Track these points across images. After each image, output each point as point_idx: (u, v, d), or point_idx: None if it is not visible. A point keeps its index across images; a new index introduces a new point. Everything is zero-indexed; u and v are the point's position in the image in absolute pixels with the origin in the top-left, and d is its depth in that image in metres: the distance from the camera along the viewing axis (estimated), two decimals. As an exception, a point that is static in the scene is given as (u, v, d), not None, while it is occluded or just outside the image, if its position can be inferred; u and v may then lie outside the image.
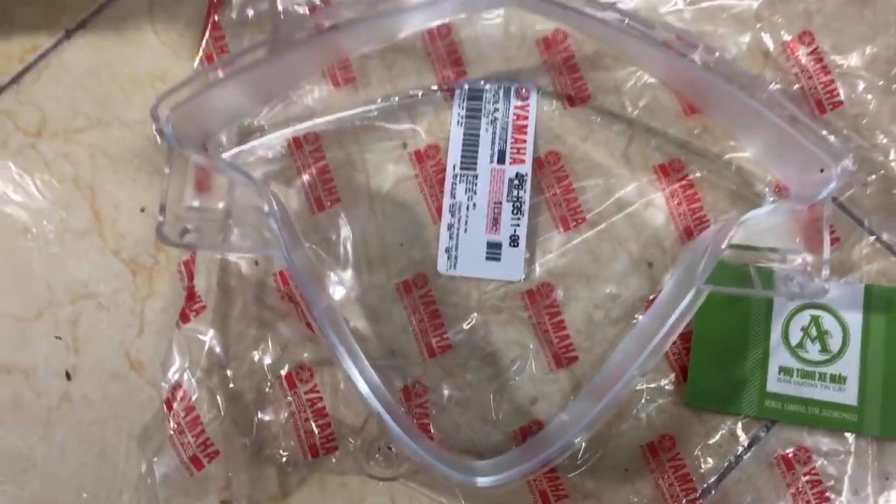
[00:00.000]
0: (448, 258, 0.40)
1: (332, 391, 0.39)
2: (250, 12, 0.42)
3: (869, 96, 0.40)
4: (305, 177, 0.41)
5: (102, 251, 0.42)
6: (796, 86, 0.40)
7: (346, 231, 0.41)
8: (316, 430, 0.39)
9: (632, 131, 0.41)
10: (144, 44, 0.43)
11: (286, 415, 0.39)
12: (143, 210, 0.42)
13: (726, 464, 0.38)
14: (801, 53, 0.41)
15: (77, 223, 0.42)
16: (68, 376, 0.41)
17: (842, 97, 0.40)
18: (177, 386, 0.39)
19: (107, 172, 0.42)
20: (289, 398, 0.39)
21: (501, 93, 0.42)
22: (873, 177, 0.39)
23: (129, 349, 0.41)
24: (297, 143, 0.41)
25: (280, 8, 0.41)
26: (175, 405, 0.39)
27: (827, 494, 0.37)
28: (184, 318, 0.39)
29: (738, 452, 0.38)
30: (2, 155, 0.42)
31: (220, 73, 0.36)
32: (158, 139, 0.34)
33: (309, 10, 0.41)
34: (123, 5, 0.43)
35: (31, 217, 0.42)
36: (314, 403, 0.39)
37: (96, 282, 0.41)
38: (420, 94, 0.42)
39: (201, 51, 0.41)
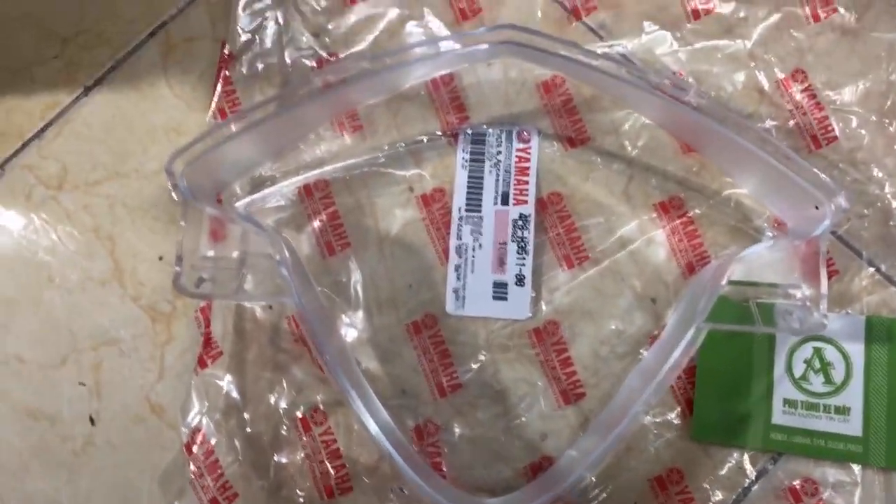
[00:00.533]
0: (456, 298, 0.42)
1: (346, 431, 0.40)
2: (260, 66, 0.43)
3: (863, 131, 0.41)
4: (316, 223, 0.42)
5: (122, 299, 0.43)
6: (791, 122, 0.41)
7: (356, 274, 0.42)
8: (331, 471, 0.40)
9: (631, 170, 0.42)
10: (159, 98, 0.45)
11: (302, 456, 0.40)
12: (160, 258, 0.43)
13: (734, 497, 0.39)
14: (795, 90, 0.42)
15: (98, 272, 0.43)
16: (92, 421, 0.42)
17: (836, 132, 0.41)
18: (196, 430, 0.40)
19: (125, 222, 0.44)
20: (304, 440, 0.40)
21: (504, 136, 0.43)
22: (870, 210, 0.40)
23: (149, 394, 0.42)
24: (307, 191, 0.43)
25: (288, 61, 0.43)
26: (195, 449, 0.40)
27: (835, 526, 0.38)
28: (201, 363, 0.41)
29: (746, 485, 0.39)
30: (26, 207, 0.44)
31: (233, 128, 0.38)
32: (174, 194, 0.36)
33: (316, 62, 0.43)
34: (138, 62, 0.45)
35: (54, 267, 0.44)
36: (329, 445, 0.40)
37: (117, 328, 0.43)
38: (425, 140, 0.43)
39: (213, 104, 0.43)
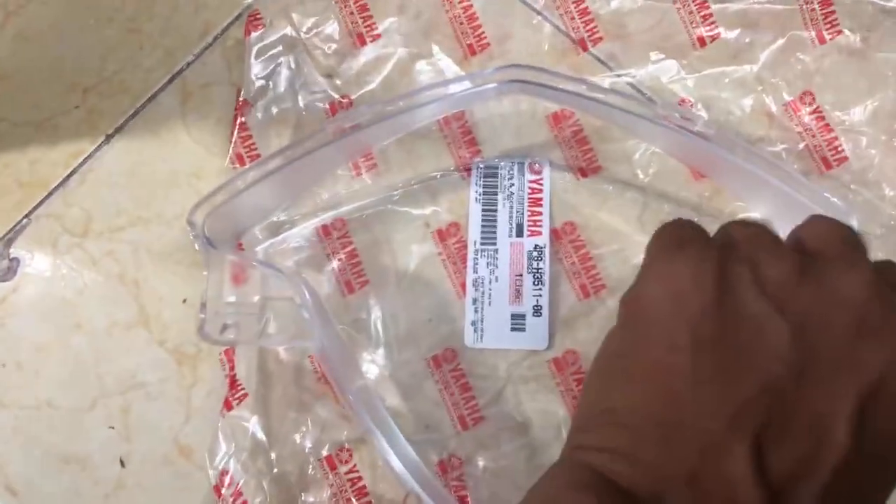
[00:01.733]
0: (475, 331, 0.42)
1: (372, 468, 0.41)
2: (274, 110, 0.44)
3: (873, 151, 0.41)
4: (335, 262, 0.43)
5: (149, 342, 0.44)
6: (801, 144, 0.42)
7: (376, 311, 0.42)
8: (358, 509, 0.41)
9: (645, 198, 0.42)
10: (178, 144, 0.46)
11: (329, 494, 0.41)
12: (184, 301, 0.44)
13: None
14: (804, 112, 0.42)
15: (124, 317, 0.44)
16: (122, 464, 0.43)
17: (846, 153, 0.41)
18: (224, 472, 0.41)
19: (149, 267, 0.45)
20: (330, 479, 0.41)
21: (516, 168, 0.44)
22: (883, 229, 0.40)
23: (178, 435, 0.43)
24: (325, 231, 0.43)
25: (302, 104, 0.44)
26: (223, 491, 0.41)
27: None
28: (227, 406, 0.42)
29: None
30: (52, 255, 0.45)
31: (251, 176, 0.39)
32: (196, 244, 0.37)
33: (329, 106, 0.44)
34: (157, 109, 0.46)
35: (81, 313, 0.45)
36: (355, 483, 0.41)
37: (144, 372, 0.44)
38: (439, 176, 0.44)
39: (231, 150, 0.44)
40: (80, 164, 0.46)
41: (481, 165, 0.44)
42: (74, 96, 0.46)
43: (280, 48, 0.44)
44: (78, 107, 0.46)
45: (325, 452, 0.41)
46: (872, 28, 0.42)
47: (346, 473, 0.41)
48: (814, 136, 0.42)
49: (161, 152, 0.46)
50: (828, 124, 0.42)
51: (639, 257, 0.42)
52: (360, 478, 0.41)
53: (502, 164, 0.44)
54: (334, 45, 0.45)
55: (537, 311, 0.42)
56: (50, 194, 0.46)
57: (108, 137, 0.46)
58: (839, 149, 0.41)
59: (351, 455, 0.41)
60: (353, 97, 0.44)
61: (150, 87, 0.46)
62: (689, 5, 0.43)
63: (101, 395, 0.44)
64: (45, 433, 0.43)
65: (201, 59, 0.46)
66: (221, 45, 0.46)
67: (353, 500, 0.41)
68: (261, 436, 0.41)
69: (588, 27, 0.44)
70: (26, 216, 0.45)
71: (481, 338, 0.42)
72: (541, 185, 0.43)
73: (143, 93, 0.46)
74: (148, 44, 0.46)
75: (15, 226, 0.45)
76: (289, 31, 0.44)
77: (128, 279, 0.45)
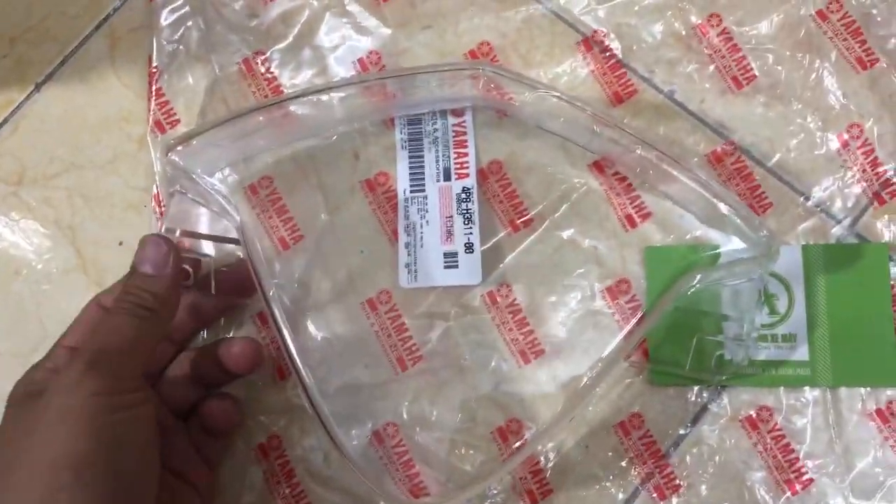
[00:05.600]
0: (409, 272, 0.43)
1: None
2: (189, 75, 0.44)
3: (779, 67, 0.42)
4: (267, 220, 0.43)
5: (87, 286, 0.44)
6: (711, 66, 0.42)
7: (310, 264, 0.43)
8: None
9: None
10: (108, 89, 0.46)
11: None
12: (120, 244, 0.44)
13: (694, 433, 0.40)
14: (712, 34, 0.43)
15: (62, 262, 0.45)
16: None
17: (755, 71, 0.42)
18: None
19: (84, 212, 0.45)
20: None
21: (438, 114, 0.44)
22: (795, 140, 0.41)
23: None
24: (252, 190, 0.43)
25: (216, 65, 0.44)
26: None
27: (791, 447, 0.40)
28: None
29: (705, 420, 0.40)
30: None
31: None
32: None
33: (243, 62, 0.43)
34: (86, 55, 0.46)
35: (20, 260, 0.45)
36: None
37: (84, 313, 0.44)
38: (367, 125, 0.44)
39: (150, 119, 0.44)
40: (11, 114, 0.46)
41: (404, 115, 0.44)
42: (1, 46, 0.46)
43: (187, 9, 0.44)
44: (6, 56, 0.46)
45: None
46: (773, -55, 0.43)
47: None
48: (723, 58, 0.42)
49: (91, 98, 0.46)
50: (736, 44, 0.42)
51: (563, 185, 0.42)
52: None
53: (425, 112, 0.44)
54: (242, 1, 0.44)
55: (469, 248, 0.43)
56: (-18, 145, 0.45)
57: (38, 86, 0.46)
58: (748, 68, 0.42)
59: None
60: (267, 53, 0.44)
61: (77, 34, 0.46)
62: (595, -64, 0.44)
63: (43, 340, 0.44)
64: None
65: (128, 5, 0.46)
66: (148, -11, 0.45)
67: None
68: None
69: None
70: (-41, 168, 0.45)
71: (415, 278, 0.43)
72: (464, 127, 0.44)
73: (70, 40, 0.46)
74: (74, -11, 0.46)
75: (-52, 177, 0.45)
76: (194, -8, 0.44)
77: (63, 225, 0.45)
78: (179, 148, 0.39)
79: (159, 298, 0.35)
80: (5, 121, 0.45)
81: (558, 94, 0.39)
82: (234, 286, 0.41)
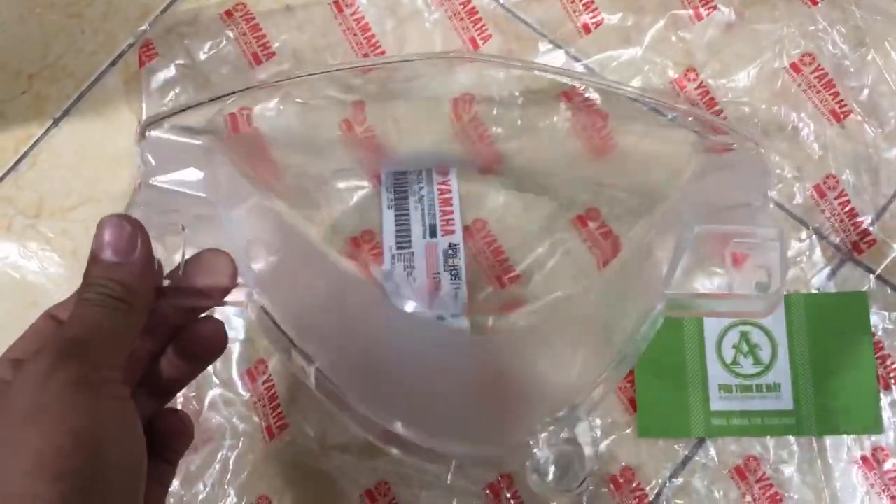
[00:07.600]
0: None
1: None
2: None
3: (756, 119, 0.43)
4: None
5: None
6: (689, 118, 0.43)
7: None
8: None
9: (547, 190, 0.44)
10: (124, 123, 0.46)
11: None
12: None
13: (683, 484, 0.41)
14: (690, 88, 0.44)
15: None
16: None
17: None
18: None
19: None
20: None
21: (424, 172, 0.45)
22: (773, 192, 0.42)
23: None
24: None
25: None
26: None
27: (780, 496, 0.40)
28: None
29: (694, 471, 0.41)
30: (7, 237, 0.46)
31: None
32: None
33: (229, 116, 0.44)
34: (101, 90, 0.47)
35: (38, 290, 0.45)
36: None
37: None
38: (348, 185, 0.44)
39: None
40: (30, 148, 0.47)
41: (390, 173, 0.45)
42: (20, 83, 0.47)
43: (175, 75, 0.45)
44: (25, 92, 0.47)
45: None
46: (745, 3, 0.44)
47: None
48: (701, 111, 0.43)
49: (107, 132, 0.46)
50: (713, 98, 0.43)
51: (545, 244, 0.43)
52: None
53: (410, 170, 0.45)
54: (230, 67, 0.45)
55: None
56: (1, 179, 0.46)
57: (56, 121, 0.47)
58: (724, 118, 0.43)
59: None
60: (253, 109, 0.45)
61: (93, 70, 0.47)
62: (572, -6, 0.45)
63: (59, 368, 0.44)
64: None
65: (141, 41, 0.47)
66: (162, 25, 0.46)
67: None
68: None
69: (476, 26, 0.45)
70: (-22, 202, 0.46)
71: (404, 337, 0.43)
72: (449, 185, 0.45)
73: (86, 76, 0.47)
74: (89, 28, 0.47)
75: (-32, 211, 0.45)
76: (183, 59, 0.45)
77: (80, 255, 0.45)
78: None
79: (129, 289, 0.29)
80: (24, 155, 0.46)
81: (542, 70, 0.39)
82: (208, 274, 0.33)
